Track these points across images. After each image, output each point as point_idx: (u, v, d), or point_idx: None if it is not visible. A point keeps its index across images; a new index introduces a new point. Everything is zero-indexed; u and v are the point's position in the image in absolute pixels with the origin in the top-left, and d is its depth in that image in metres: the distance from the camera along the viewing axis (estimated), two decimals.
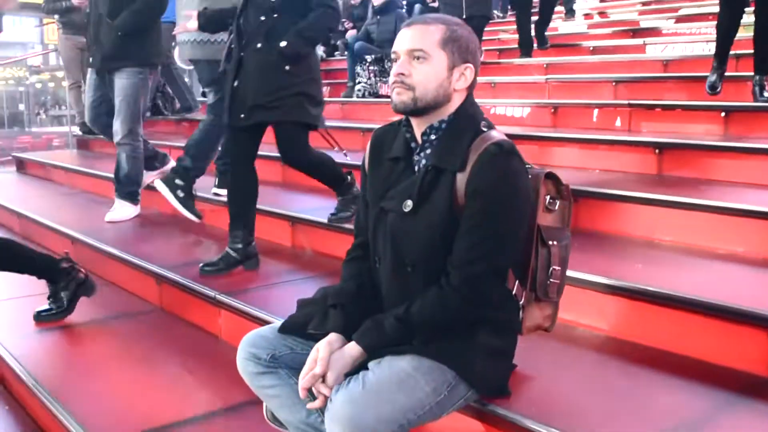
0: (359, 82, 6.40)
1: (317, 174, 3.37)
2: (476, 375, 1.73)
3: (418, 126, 1.83)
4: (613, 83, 4.76)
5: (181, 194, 3.89)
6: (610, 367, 2.16)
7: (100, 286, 3.19)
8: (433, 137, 1.81)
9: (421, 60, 1.75)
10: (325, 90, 6.57)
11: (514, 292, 1.83)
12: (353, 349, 1.70)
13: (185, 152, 4.03)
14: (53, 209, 4.84)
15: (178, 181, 3.90)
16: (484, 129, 1.76)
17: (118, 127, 4.29)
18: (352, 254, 1.96)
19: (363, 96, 6.31)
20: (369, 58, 6.43)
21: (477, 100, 1.84)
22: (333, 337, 1.73)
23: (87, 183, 5.51)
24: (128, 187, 4.41)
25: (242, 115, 3.02)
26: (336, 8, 3.13)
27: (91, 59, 4.45)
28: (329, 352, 1.68)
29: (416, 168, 1.82)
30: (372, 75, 6.35)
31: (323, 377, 1.65)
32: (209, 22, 3.33)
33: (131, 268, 3.49)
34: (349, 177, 3.41)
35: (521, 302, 1.85)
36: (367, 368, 1.66)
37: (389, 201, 1.82)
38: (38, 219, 4.52)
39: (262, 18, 3.01)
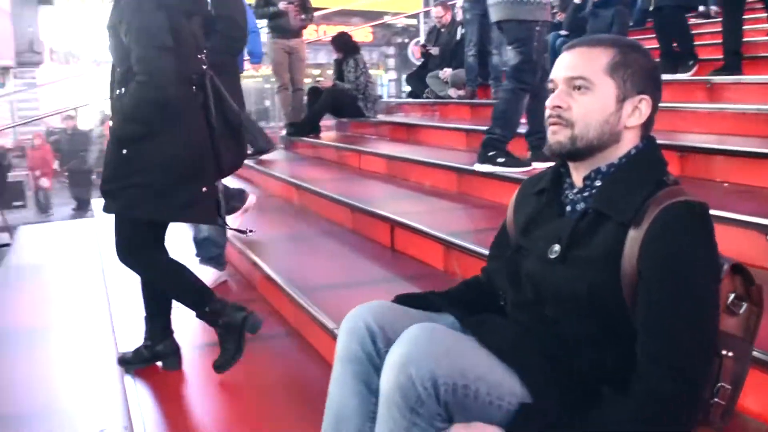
0: None
1: (162, 286, 2.65)
2: None
3: (578, 170, 1.48)
4: None
5: (501, 159, 3.81)
6: None
7: None
8: (598, 183, 1.45)
9: (583, 90, 1.43)
10: None
11: None
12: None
13: (492, 123, 3.95)
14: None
15: (491, 153, 3.83)
16: (669, 181, 1.40)
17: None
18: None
19: None
20: None
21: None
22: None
23: (277, 187, 5.56)
24: (209, 251, 3.65)
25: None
26: (153, 77, 2.30)
27: None
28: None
29: (568, 208, 1.48)
30: None
31: None
32: None
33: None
34: (218, 305, 2.56)
35: None
36: None
37: (532, 241, 1.51)
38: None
39: (117, 91, 2.44)
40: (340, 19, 17.05)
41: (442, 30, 7.86)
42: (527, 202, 1.60)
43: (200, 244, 3.63)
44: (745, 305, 1.40)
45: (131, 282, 3.28)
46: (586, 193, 1.46)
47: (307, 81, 8.39)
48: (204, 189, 2.45)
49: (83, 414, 2.66)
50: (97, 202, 6.26)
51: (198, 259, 3.61)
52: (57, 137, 14.43)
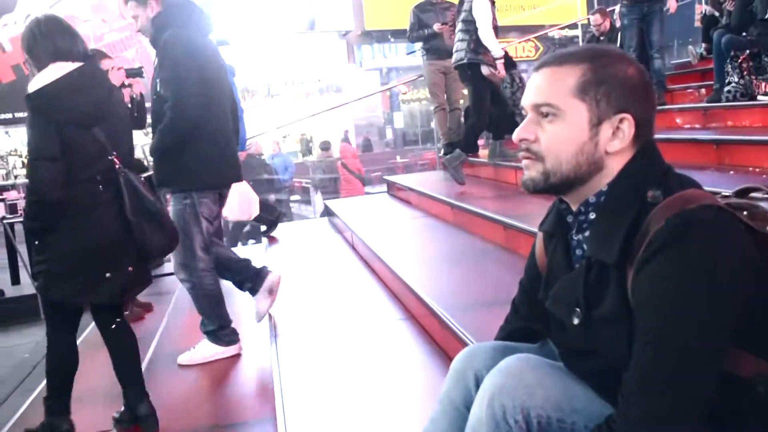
0: (729, 83, 5.46)
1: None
2: None
3: (571, 202, 1.31)
4: None
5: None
6: None
7: None
8: (591, 215, 1.28)
9: (551, 118, 1.25)
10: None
11: None
12: None
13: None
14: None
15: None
16: (653, 200, 1.18)
17: (171, 260, 3.68)
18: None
19: (734, 98, 5.35)
20: (741, 53, 5.43)
21: None
22: None
23: (433, 207, 5.57)
24: (206, 326, 3.62)
25: None
26: (33, 184, 2.69)
27: None
28: None
29: (573, 253, 1.32)
30: (746, 73, 5.35)
31: None
32: None
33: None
34: (63, 414, 2.87)
35: None
36: None
37: (553, 303, 1.35)
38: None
39: None
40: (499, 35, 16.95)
41: (602, 38, 7.60)
42: (546, 243, 1.47)
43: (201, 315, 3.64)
44: None
45: (294, 300, 3.41)
46: (585, 233, 1.30)
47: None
48: (108, 275, 2.76)
49: None
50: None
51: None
52: None
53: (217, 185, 3.51)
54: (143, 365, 3.66)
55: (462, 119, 7.30)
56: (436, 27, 6.85)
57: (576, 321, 1.27)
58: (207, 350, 3.59)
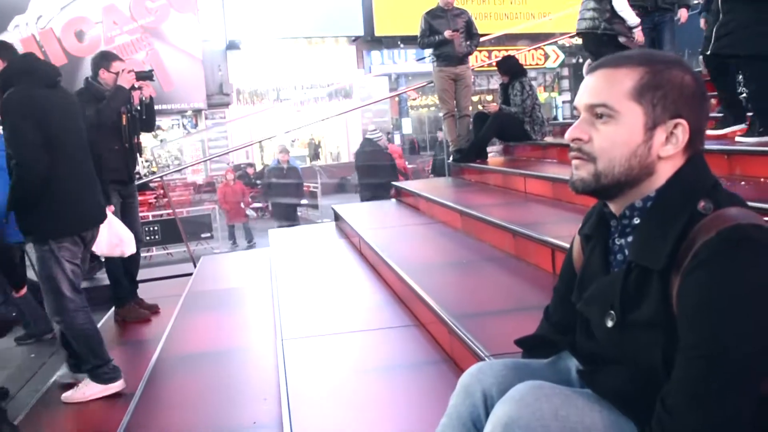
0: (741, 93, 5.41)
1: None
2: None
3: (615, 206, 1.30)
4: None
5: None
6: None
7: None
8: (636, 220, 1.27)
9: (606, 119, 1.25)
10: None
11: None
12: None
13: None
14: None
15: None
16: (704, 210, 1.18)
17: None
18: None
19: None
20: None
21: None
22: None
23: (441, 213, 5.56)
24: (86, 365, 3.63)
25: None
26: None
27: None
28: None
29: (613, 257, 1.30)
30: None
31: None
32: None
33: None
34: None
35: None
36: None
37: (586, 305, 1.34)
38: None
39: None
40: (509, 42, 16.97)
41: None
42: (583, 246, 1.45)
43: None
44: None
45: (300, 305, 3.40)
46: (629, 238, 1.29)
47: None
48: None
49: None
50: (274, 233, 6.59)
51: None
52: (241, 173, 15.48)
53: (73, 232, 3.58)
54: (149, 367, 3.67)
55: (471, 126, 7.30)
56: (447, 34, 6.85)
57: (610, 324, 1.27)
58: (88, 389, 3.61)
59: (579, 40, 7.39)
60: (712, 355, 1.10)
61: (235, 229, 12.53)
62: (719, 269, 1.11)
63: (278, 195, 11.92)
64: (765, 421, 1.15)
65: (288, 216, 11.65)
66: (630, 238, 1.29)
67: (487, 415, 1.34)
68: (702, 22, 6.83)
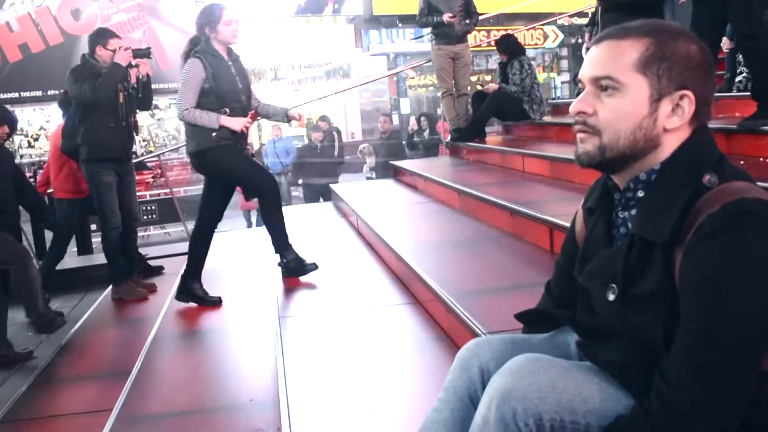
0: (740, 73, 5.40)
1: None
2: None
3: (619, 179, 1.29)
4: None
5: None
6: None
7: None
8: (640, 193, 1.25)
9: (611, 91, 1.24)
10: None
11: None
12: None
13: None
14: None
15: None
16: (709, 184, 1.17)
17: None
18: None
19: (745, 89, 5.28)
20: None
21: None
22: None
23: (439, 192, 5.54)
24: None
25: None
26: None
27: None
28: None
29: (616, 230, 1.30)
30: None
31: None
32: None
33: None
34: None
35: None
36: None
37: (588, 278, 1.33)
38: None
39: None
40: (507, 22, 16.86)
41: None
42: (586, 219, 1.45)
43: None
44: None
45: (298, 283, 3.40)
46: (632, 211, 1.28)
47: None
48: None
49: (240, 413, 2.78)
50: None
51: None
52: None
53: None
54: (146, 345, 3.67)
55: (469, 105, 7.27)
56: (446, 18, 6.79)
57: (611, 297, 1.26)
58: None
59: (576, 20, 7.32)
60: (713, 328, 1.10)
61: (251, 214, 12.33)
62: (723, 243, 1.11)
63: (312, 175, 11.37)
64: (765, 396, 1.15)
65: (324, 194, 11.22)
66: (634, 212, 1.28)
67: (484, 387, 1.34)
68: None
